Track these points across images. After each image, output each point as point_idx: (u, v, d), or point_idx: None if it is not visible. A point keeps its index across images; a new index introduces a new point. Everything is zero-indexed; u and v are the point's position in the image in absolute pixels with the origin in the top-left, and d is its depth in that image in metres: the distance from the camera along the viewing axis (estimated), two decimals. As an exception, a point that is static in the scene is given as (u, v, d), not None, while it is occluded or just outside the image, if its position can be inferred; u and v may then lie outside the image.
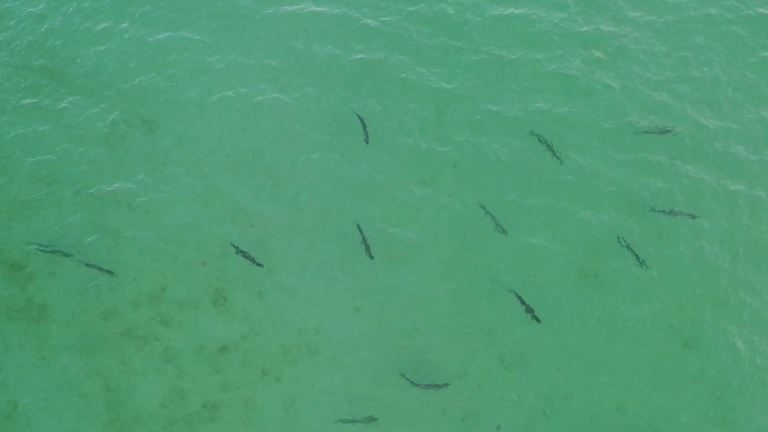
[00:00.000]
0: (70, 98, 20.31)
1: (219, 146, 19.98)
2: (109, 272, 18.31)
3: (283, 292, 18.48)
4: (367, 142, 19.66)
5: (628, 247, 18.74)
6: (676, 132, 20.13)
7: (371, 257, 18.54)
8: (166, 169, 19.58)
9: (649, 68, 21.15)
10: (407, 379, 17.47)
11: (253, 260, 18.47)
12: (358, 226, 18.85)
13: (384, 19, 21.52)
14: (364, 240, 18.72)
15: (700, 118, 20.52)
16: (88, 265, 18.30)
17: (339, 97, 20.53)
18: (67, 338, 17.81)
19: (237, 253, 18.55)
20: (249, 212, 19.24)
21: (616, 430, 17.44)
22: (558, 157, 19.63)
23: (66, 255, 18.38)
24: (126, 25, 21.09)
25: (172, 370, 17.70)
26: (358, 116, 19.89)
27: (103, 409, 17.26)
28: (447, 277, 18.72)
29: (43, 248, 18.45)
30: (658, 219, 19.30)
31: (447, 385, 17.48)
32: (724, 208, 19.49)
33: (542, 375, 17.87)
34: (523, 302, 18.08)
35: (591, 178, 19.67)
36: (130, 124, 20.13)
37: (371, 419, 17.08)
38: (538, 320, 17.98)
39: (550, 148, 19.70)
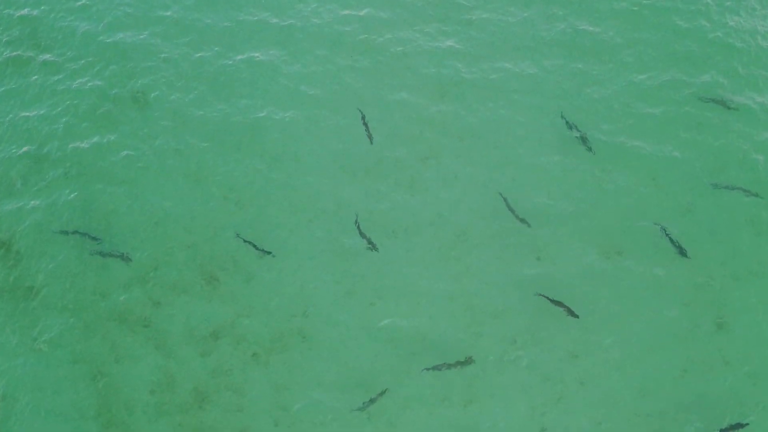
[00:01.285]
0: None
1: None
2: (126, 258, 17.73)
3: (274, 274, 17.78)
4: (371, 142, 18.59)
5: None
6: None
7: (373, 247, 17.82)
8: (155, 142, 18.95)
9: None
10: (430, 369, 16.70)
11: (262, 250, 17.76)
12: (356, 221, 18.07)
13: None
14: (358, 228, 17.97)
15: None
16: (103, 254, 17.74)
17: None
18: (54, 321, 17.35)
19: (244, 242, 17.84)
20: (240, 191, 18.54)
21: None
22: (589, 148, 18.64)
23: (93, 238, 17.80)
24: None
25: (162, 354, 17.16)
26: (361, 113, 18.80)
27: (91, 394, 16.77)
28: (446, 258, 17.86)
29: (65, 232, 17.88)
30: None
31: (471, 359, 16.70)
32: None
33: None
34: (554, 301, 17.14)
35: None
36: (119, 95, 19.55)
37: (383, 393, 16.42)
38: (575, 315, 17.05)
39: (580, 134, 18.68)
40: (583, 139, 18.75)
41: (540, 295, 17.18)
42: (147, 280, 17.73)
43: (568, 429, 16.18)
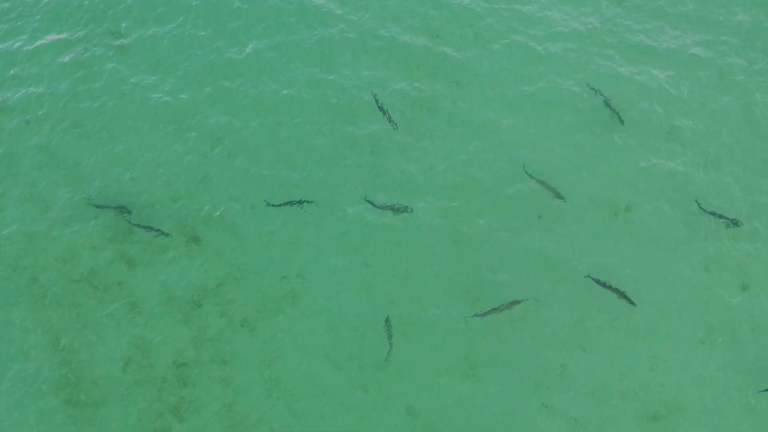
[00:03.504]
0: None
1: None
2: (165, 233, 15.72)
3: (264, 233, 15.93)
4: (395, 127, 16.82)
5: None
6: None
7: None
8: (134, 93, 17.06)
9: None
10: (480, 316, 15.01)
11: (300, 202, 15.98)
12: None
13: None
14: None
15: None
16: (140, 226, 15.73)
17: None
18: (13, 286, 15.30)
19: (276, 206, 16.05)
20: (227, 141, 16.70)
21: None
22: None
23: (121, 211, 15.84)
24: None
25: (137, 322, 15.18)
26: (375, 99, 17.02)
27: (54, 369, 14.74)
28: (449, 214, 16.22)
29: (93, 203, 15.94)
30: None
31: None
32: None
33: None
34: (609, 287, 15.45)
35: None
36: (97, 45, 17.62)
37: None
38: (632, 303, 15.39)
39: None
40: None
41: (589, 277, 15.58)
42: (120, 237, 15.77)
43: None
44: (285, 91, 17.28)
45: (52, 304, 15.21)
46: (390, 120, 16.65)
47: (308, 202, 15.98)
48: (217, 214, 16.01)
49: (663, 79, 17.85)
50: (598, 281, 15.35)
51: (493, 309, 15.02)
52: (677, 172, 16.78)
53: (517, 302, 15.16)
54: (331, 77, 17.45)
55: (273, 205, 15.94)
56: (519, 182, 16.44)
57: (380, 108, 16.79)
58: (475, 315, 15.07)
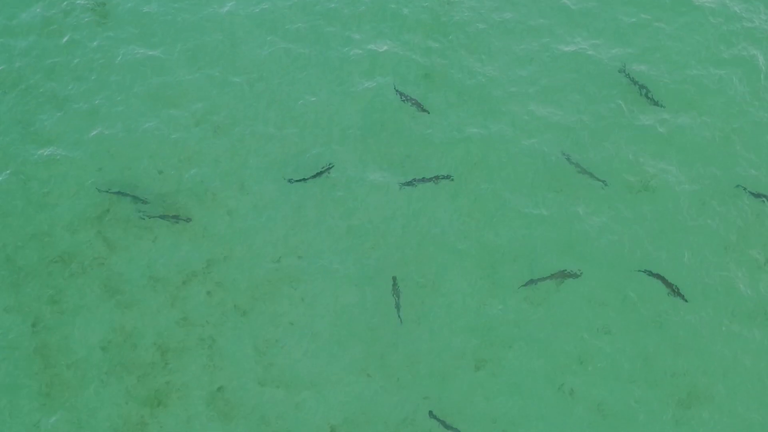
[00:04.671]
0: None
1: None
2: (186, 219, 14.59)
3: (258, 209, 14.87)
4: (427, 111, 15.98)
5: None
6: None
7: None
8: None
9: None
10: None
11: (326, 170, 14.98)
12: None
13: None
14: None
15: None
16: (161, 217, 14.58)
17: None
18: (-18, 263, 14.14)
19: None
20: (215, 114, 15.72)
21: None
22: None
23: (137, 199, 14.68)
24: None
25: (118, 303, 13.99)
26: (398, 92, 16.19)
27: (28, 353, 13.49)
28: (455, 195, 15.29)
29: (107, 190, 14.78)
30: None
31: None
32: None
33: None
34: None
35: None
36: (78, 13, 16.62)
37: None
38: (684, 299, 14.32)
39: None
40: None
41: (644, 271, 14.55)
42: (101, 214, 14.63)
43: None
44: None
45: (27, 285, 13.99)
46: (421, 108, 15.83)
47: (329, 168, 15.04)
48: (206, 190, 14.96)
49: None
50: (651, 273, 14.39)
51: (542, 278, 14.19)
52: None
53: (567, 273, 14.27)
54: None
55: (296, 181, 14.96)
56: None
57: (406, 98, 15.94)
58: (528, 282, 14.20)
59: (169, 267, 14.30)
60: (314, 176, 14.96)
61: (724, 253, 14.69)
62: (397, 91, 16.03)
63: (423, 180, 15.03)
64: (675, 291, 14.20)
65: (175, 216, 14.53)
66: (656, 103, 16.08)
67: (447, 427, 13.02)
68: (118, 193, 14.70)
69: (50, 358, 13.49)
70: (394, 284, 14.01)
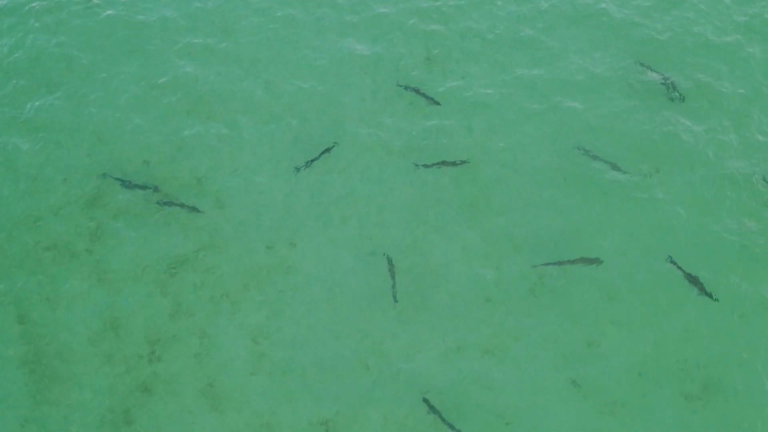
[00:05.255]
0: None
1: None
2: (196, 209, 14.24)
3: (250, 195, 14.44)
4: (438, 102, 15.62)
5: None
6: None
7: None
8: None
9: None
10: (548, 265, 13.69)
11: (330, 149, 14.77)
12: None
13: None
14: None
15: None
16: (169, 204, 14.27)
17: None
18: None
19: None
20: (209, 101, 15.34)
21: None
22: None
23: (146, 188, 14.34)
24: None
25: (107, 293, 13.62)
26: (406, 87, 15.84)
27: (17, 343, 13.18)
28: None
29: (119, 180, 14.46)
30: None
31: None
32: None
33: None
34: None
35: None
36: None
37: None
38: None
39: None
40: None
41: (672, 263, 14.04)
42: (91, 202, 14.29)
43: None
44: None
45: (15, 272, 13.67)
46: (433, 101, 15.53)
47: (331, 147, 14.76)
48: (197, 177, 14.57)
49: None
50: (679, 266, 13.87)
51: (560, 262, 13.80)
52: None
53: (587, 260, 13.86)
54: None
55: (302, 167, 14.60)
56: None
57: (418, 93, 15.67)
58: (543, 264, 13.79)
59: (159, 254, 13.91)
60: (321, 154, 14.64)
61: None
62: (403, 86, 15.77)
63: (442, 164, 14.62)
64: (701, 289, 13.64)
65: (193, 207, 14.08)
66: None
67: (434, 411, 12.48)
68: (125, 181, 14.32)
69: (38, 347, 13.17)
70: (390, 263, 13.51)
